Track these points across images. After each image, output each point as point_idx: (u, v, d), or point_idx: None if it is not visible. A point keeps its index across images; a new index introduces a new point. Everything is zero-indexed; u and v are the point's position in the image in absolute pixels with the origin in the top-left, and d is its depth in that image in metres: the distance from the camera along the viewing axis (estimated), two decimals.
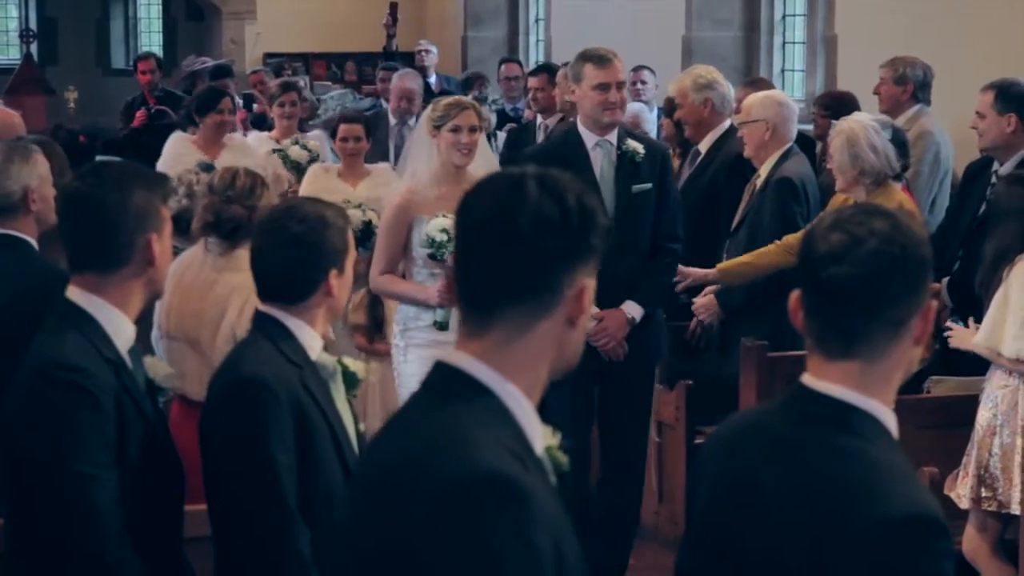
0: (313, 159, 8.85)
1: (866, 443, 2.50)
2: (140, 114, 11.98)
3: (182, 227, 5.56)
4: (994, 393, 5.62)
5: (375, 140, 9.01)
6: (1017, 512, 5.46)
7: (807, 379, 2.58)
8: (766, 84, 8.77)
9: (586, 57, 6.20)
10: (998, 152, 6.63)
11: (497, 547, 2.17)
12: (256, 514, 3.52)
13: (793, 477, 2.50)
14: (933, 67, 8.28)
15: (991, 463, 5.57)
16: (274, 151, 8.90)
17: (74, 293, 3.52)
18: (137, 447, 3.46)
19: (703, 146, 7.56)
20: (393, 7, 14.76)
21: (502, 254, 2.31)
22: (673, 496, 6.96)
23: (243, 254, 5.05)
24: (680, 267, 6.56)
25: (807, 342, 2.60)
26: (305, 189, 8.07)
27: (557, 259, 2.33)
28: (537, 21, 16.47)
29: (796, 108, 7.32)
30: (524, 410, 2.35)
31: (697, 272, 6.69)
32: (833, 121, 6.87)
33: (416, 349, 5.95)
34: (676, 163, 7.77)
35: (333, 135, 8.40)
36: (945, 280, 6.46)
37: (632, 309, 6.18)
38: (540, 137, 9.68)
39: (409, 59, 13.47)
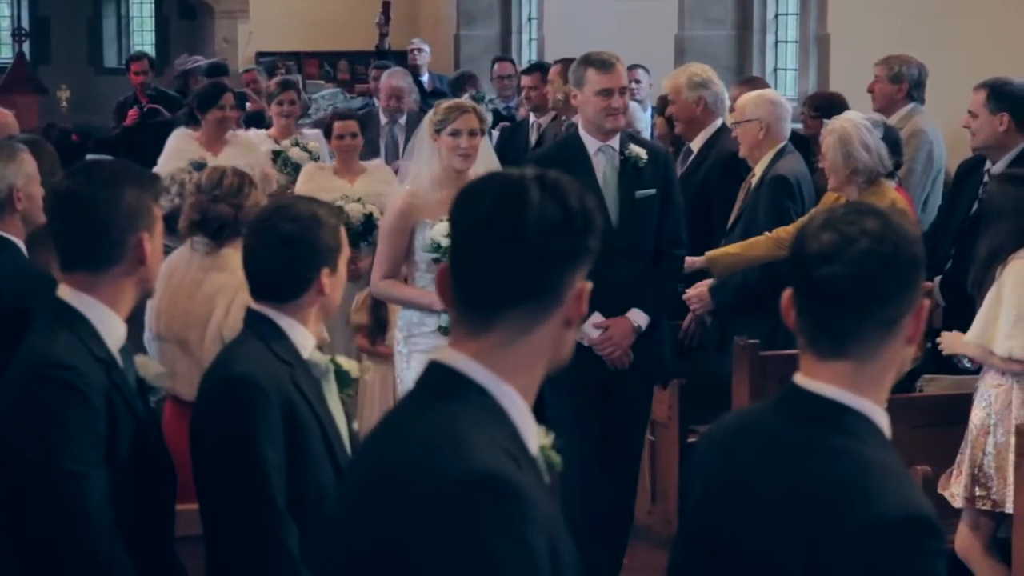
0: (313, 160, 8.76)
1: (859, 443, 2.50)
2: (132, 113, 11.96)
3: (174, 226, 5.56)
4: (988, 392, 5.62)
5: (367, 139, 8.97)
6: (1011, 511, 5.46)
7: (799, 379, 2.58)
8: (761, 83, 8.77)
9: (588, 61, 6.12)
10: (991, 151, 6.63)
11: (492, 547, 2.17)
12: (245, 513, 3.52)
13: (786, 477, 2.50)
14: (925, 66, 8.29)
15: (985, 462, 5.57)
16: (273, 152, 8.81)
17: (65, 292, 3.52)
18: (128, 446, 3.46)
19: (695, 144, 7.56)
20: (386, 6, 14.75)
21: (506, 256, 2.30)
22: (666, 495, 6.96)
23: (229, 253, 5.07)
24: None
25: (799, 341, 2.60)
26: (301, 188, 7.99)
27: (561, 261, 2.33)
28: (530, 20, 16.47)
29: (789, 107, 7.33)
30: (519, 410, 2.34)
31: (686, 260, 6.67)
32: (825, 120, 6.87)
33: (420, 355, 5.90)
34: None
35: (327, 134, 8.33)
36: (937, 279, 6.46)
37: (638, 317, 6.10)
38: (533, 136, 9.68)
39: (402, 58, 13.47)
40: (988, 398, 5.61)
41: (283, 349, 3.61)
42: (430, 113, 6.08)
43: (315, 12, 17.14)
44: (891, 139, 7.03)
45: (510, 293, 2.32)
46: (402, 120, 10.19)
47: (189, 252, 5.26)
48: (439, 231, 5.76)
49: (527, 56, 15.81)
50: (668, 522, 6.79)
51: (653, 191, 6.13)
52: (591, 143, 6.14)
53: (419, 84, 12.45)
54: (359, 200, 7.73)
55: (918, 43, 9.11)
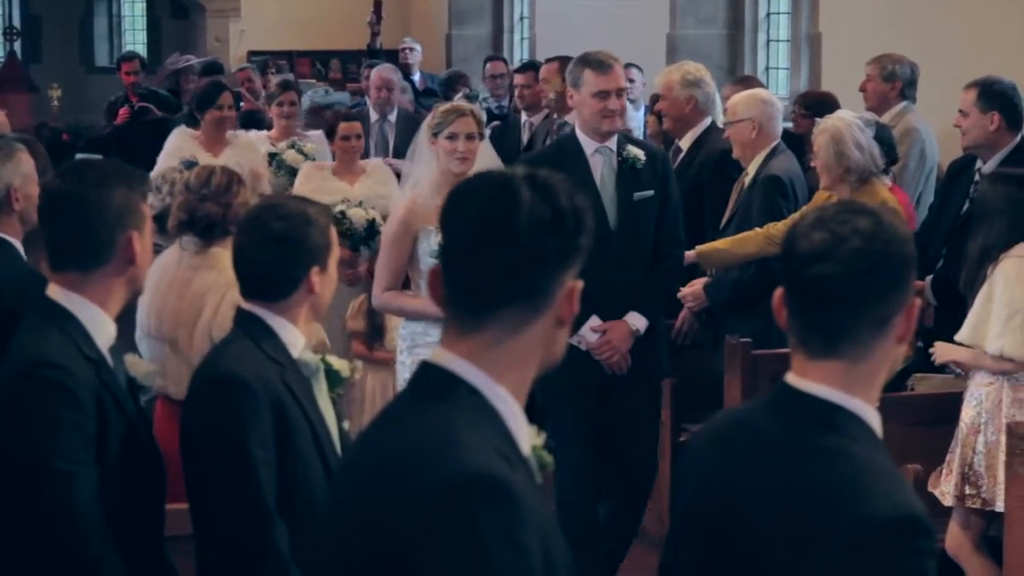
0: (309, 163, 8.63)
1: (850, 442, 2.49)
2: (123, 111, 11.93)
3: (166, 225, 5.55)
4: (978, 391, 5.63)
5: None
6: (1001, 510, 5.46)
7: (791, 378, 2.58)
8: (755, 82, 8.78)
9: (586, 62, 6.03)
10: (981, 150, 6.63)
11: (485, 548, 2.16)
12: (235, 512, 3.51)
13: (778, 476, 2.49)
14: (918, 65, 8.31)
15: (975, 461, 5.58)
16: (269, 155, 8.67)
17: (55, 291, 3.51)
18: (118, 445, 3.45)
19: (684, 143, 7.56)
20: (377, 5, 14.74)
21: (497, 255, 2.30)
22: (659, 494, 6.95)
23: (219, 252, 5.06)
24: None
25: (790, 340, 2.59)
26: (299, 189, 7.88)
27: (552, 260, 2.33)
28: (522, 19, 16.47)
29: (780, 105, 7.33)
30: (511, 410, 2.34)
31: None
32: (816, 119, 6.88)
33: None
34: None
35: (330, 134, 8.16)
36: (929, 278, 6.46)
37: (636, 320, 6.02)
38: (525, 135, 9.67)
39: (393, 57, 13.46)
40: (979, 397, 5.62)
41: (273, 348, 3.61)
42: (428, 117, 6.02)
43: (307, 11, 17.13)
44: (886, 137, 7.04)
45: (501, 293, 2.32)
46: (392, 117, 10.18)
47: (179, 251, 5.26)
48: None
49: (519, 55, 15.81)
50: (661, 521, 6.78)
51: (651, 192, 6.06)
52: (588, 144, 6.06)
53: (411, 83, 12.44)
54: (361, 204, 7.64)
55: (909, 42, 9.12)
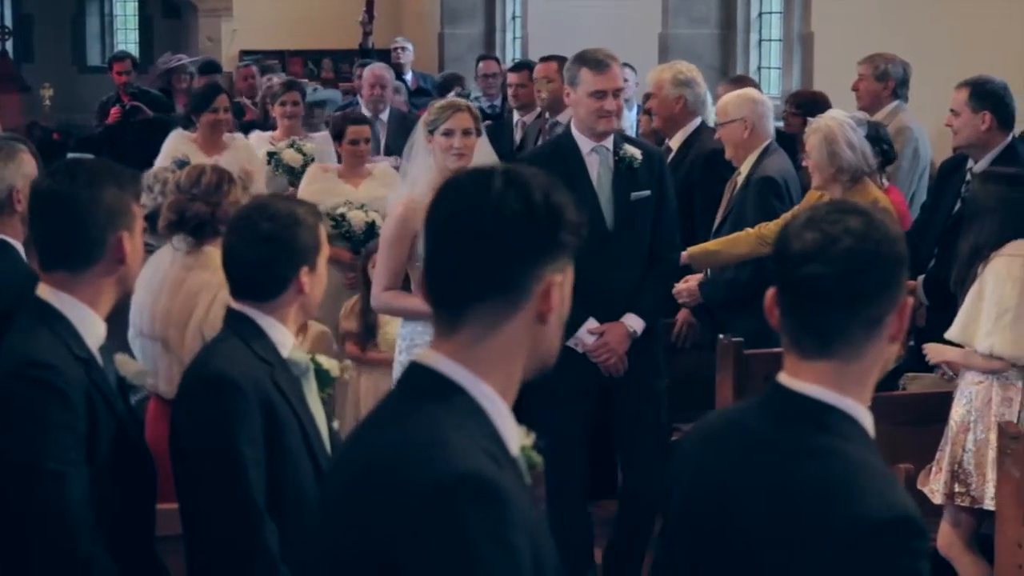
0: (307, 163, 8.54)
1: (843, 442, 2.49)
2: (114, 111, 11.90)
3: (157, 225, 5.55)
4: (968, 389, 5.64)
5: None
6: (991, 507, 5.47)
7: (783, 378, 2.57)
8: (749, 82, 8.79)
9: (583, 60, 5.93)
10: (973, 149, 6.64)
11: (474, 548, 2.16)
12: (225, 511, 3.51)
13: (770, 477, 2.49)
14: (910, 64, 8.32)
15: (965, 459, 5.59)
16: (268, 154, 8.62)
17: (45, 291, 3.51)
18: (108, 445, 3.45)
19: (674, 143, 7.56)
20: (369, 4, 14.72)
21: (467, 251, 2.30)
22: None
23: (211, 252, 5.05)
24: None
25: (783, 340, 2.59)
26: (304, 189, 7.85)
27: (522, 254, 2.31)
28: (514, 18, 16.47)
29: (771, 104, 7.34)
30: (498, 409, 2.34)
31: None
32: (807, 119, 6.88)
33: None
34: None
35: (338, 136, 8.04)
36: (920, 278, 6.46)
37: (633, 322, 5.96)
38: (518, 134, 9.66)
39: (385, 56, 13.45)
40: (968, 395, 5.63)
41: (263, 348, 3.61)
42: (424, 114, 5.98)
43: (299, 10, 17.12)
44: (883, 136, 7.06)
45: (473, 288, 2.31)
46: (384, 116, 10.17)
47: (171, 250, 5.25)
48: None
49: (511, 54, 15.81)
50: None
51: (648, 192, 5.98)
52: (584, 143, 5.97)
53: (403, 83, 12.43)
54: (362, 207, 7.61)
55: (900, 42, 9.13)
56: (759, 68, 12.72)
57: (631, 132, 9.64)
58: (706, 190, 7.22)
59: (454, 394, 2.31)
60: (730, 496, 2.54)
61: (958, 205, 6.52)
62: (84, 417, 3.40)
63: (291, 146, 8.70)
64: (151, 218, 5.29)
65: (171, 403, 4.02)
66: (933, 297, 6.37)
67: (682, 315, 7.12)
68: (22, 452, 3.34)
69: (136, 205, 3.58)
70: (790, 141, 7.94)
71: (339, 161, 8.29)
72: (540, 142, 9.07)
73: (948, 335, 5.66)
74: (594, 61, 5.91)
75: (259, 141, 8.92)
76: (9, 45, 19.66)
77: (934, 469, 5.70)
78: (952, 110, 6.62)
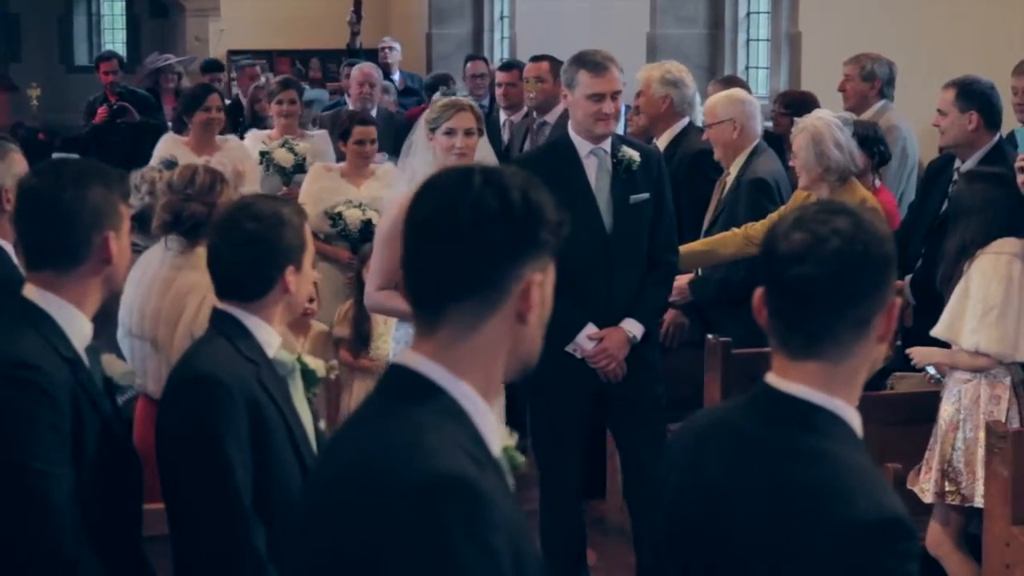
0: (298, 163, 8.47)
1: (831, 443, 2.49)
2: (101, 111, 11.87)
3: (145, 225, 5.54)
4: (956, 388, 5.65)
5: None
6: (980, 505, 5.48)
7: (771, 378, 2.57)
8: (738, 82, 8.79)
9: (581, 62, 5.86)
10: (960, 149, 6.64)
11: (454, 550, 2.15)
12: (211, 512, 3.50)
13: (758, 478, 2.49)
14: (895, 64, 8.33)
15: (954, 457, 5.60)
16: (260, 154, 8.52)
17: (30, 291, 3.49)
18: (94, 445, 3.44)
19: (661, 142, 7.56)
20: (357, 4, 14.69)
21: (444, 250, 2.29)
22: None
23: (202, 252, 5.03)
24: None
25: (771, 341, 2.58)
26: (306, 188, 7.80)
27: (501, 253, 2.30)
28: (502, 18, 16.47)
29: (759, 104, 7.34)
30: (479, 410, 2.33)
31: None
32: (796, 119, 6.89)
33: None
34: None
35: (344, 136, 7.93)
36: (908, 278, 6.47)
37: (632, 327, 5.88)
38: (505, 134, 9.66)
39: (373, 56, 13.43)
40: (957, 394, 5.64)
41: (248, 348, 3.60)
42: (426, 111, 5.93)
43: (286, 10, 17.11)
44: (878, 137, 7.07)
45: (450, 288, 2.31)
46: (372, 114, 10.14)
47: (163, 250, 5.24)
48: None
49: (499, 54, 15.80)
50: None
51: (647, 195, 5.91)
52: (582, 145, 5.89)
53: (391, 83, 12.41)
54: (360, 206, 7.57)
55: (888, 41, 9.15)
56: (747, 68, 12.72)
57: (620, 130, 9.65)
58: (692, 190, 7.23)
59: (434, 395, 2.31)
60: (718, 496, 2.53)
61: (945, 205, 6.52)
62: (69, 417, 3.38)
63: (283, 145, 8.60)
64: (138, 218, 5.29)
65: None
66: (920, 297, 6.37)
67: (670, 315, 7.11)
68: (7, 453, 3.33)
69: (123, 205, 3.56)
70: (779, 141, 7.95)
71: (338, 160, 8.26)
72: (528, 142, 9.07)
73: (934, 332, 5.67)
74: (592, 63, 5.85)
75: (254, 140, 8.84)
76: None
77: (923, 468, 5.71)
78: (939, 110, 6.62)
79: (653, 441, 5.92)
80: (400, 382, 2.34)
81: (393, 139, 8.92)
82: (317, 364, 3.82)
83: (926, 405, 5.85)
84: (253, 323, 3.63)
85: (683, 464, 2.64)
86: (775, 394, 2.54)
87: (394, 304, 5.76)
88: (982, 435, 5.49)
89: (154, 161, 8.08)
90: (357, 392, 6.95)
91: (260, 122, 10.33)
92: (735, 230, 6.66)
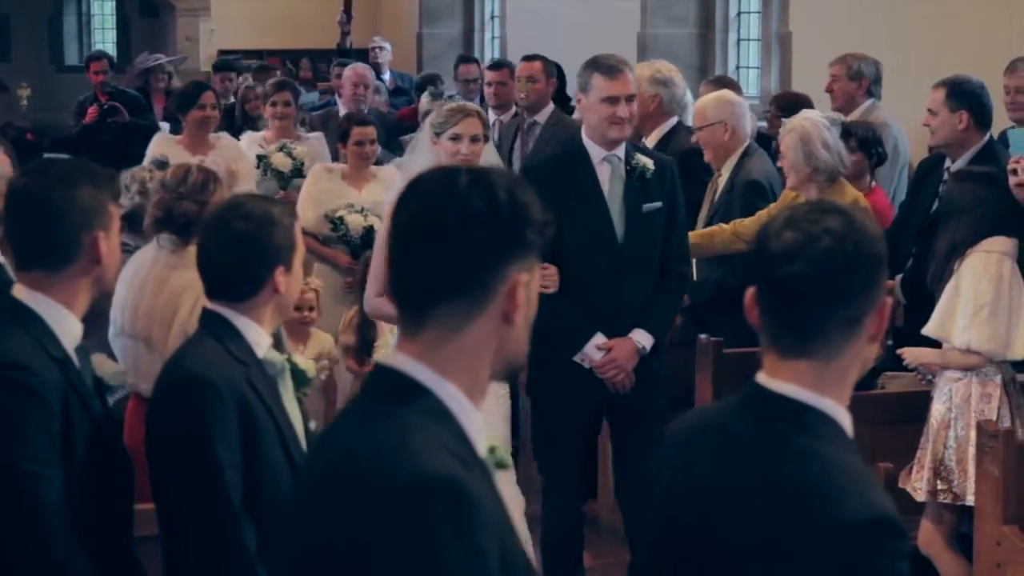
0: (297, 168, 8.37)
1: (821, 443, 2.48)
2: (92, 110, 11.84)
3: (136, 224, 5.54)
4: (947, 387, 5.66)
5: (328, 137, 8.89)
6: (972, 503, 5.49)
7: (762, 378, 2.57)
8: (730, 82, 8.80)
9: (595, 66, 5.78)
10: (950, 149, 6.65)
11: (442, 551, 2.15)
12: (200, 511, 3.50)
13: (749, 478, 2.48)
14: (885, 64, 8.35)
15: (946, 456, 5.60)
16: (257, 157, 8.39)
17: (20, 291, 3.49)
18: (83, 445, 3.43)
19: (650, 141, 7.57)
20: (347, 4, 14.70)
21: (430, 250, 2.29)
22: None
23: (194, 251, 5.04)
24: None
25: (762, 340, 2.58)
26: (307, 190, 7.69)
27: (485, 254, 2.30)
28: (492, 18, 16.47)
29: (748, 104, 7.35)
30: (464, 410, 2.33)
31: None
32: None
33: None
34: None
35: (343, 138, 7.82)
36: (899, 277, 6.48)
37: (642, 338, 5.77)
38: (494, 133, 9.64)
39: (363, 56, 13.43)
40: (948, 392, 5.64)
41: (238, 348, 3.59)
42: (431, 115, 5.87)
43: (277, 10, 17.11)
44: (876, 138, 7.07)
45: (436, 288, 2.30)
46: None
47: (156, 249, 5.24)
48: None
49: (490, 54, 15.79)
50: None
51: (660, 204, 5.80)
52: (595, 151, 5.78)
53: (381, 83, 12.40)
54: (361, 211, 7.47)
55: (878, 41, 9.16)
56: (737, 68, 12.73)
57: None
58: (682, 190, 7.21)
59: (420, 395, 2.30)
60: (710, 497, 2.53)
61: (936, 204, 6.53)
62: (59, 418, 3.38)
63: (281, 149, 8.49)
64: (129, 218, 5.28)
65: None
66: (911, 296, 6.38)
67: None
68: None
69: (113, 205, 3.55)
70: (772, 142, 7.96)
71: (334, 160, 8.21)
72: (518, 142, 9.07)
73: (925, 331, 5.68)
74: (606, 67, 5.77)
75: (250, 143, 8.71)
76: None
77: (915, 467, 5.72)
78: (929, 109, 6.63)
79: (647, 444, 5.88)
80: (386, 383, 2.33)
81: (384, 139, 8.91)
82: (307, 364, 3.82)
83: (917, 405, 5.85)
84: (243, 323, 3.63)
85: (675, 464, 2.64)
86: (766, 394, 2.54)
87: (392, 310, 5.70)
88: (973, 433, 5.50)
89: (147, 161, 8.05)
90: (322, 375, 6.93)
91: (251, 123, 10.30)
92: (723, 226, 6.69)
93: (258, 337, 3.64)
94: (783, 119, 7.91)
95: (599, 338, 5.77)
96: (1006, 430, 5.39)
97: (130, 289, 5.17)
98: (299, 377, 3.76)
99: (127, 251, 5.11)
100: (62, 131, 13.49)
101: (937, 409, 5.67)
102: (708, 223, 6.98)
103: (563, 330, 5.75)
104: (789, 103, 8.44)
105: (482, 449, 2.34)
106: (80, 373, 3.49)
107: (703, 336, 6.51)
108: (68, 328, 3.49)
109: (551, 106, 9.10)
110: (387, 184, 7.53)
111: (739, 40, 12.79)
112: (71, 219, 3.45)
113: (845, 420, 2.54)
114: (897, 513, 2.44)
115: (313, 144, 8.72)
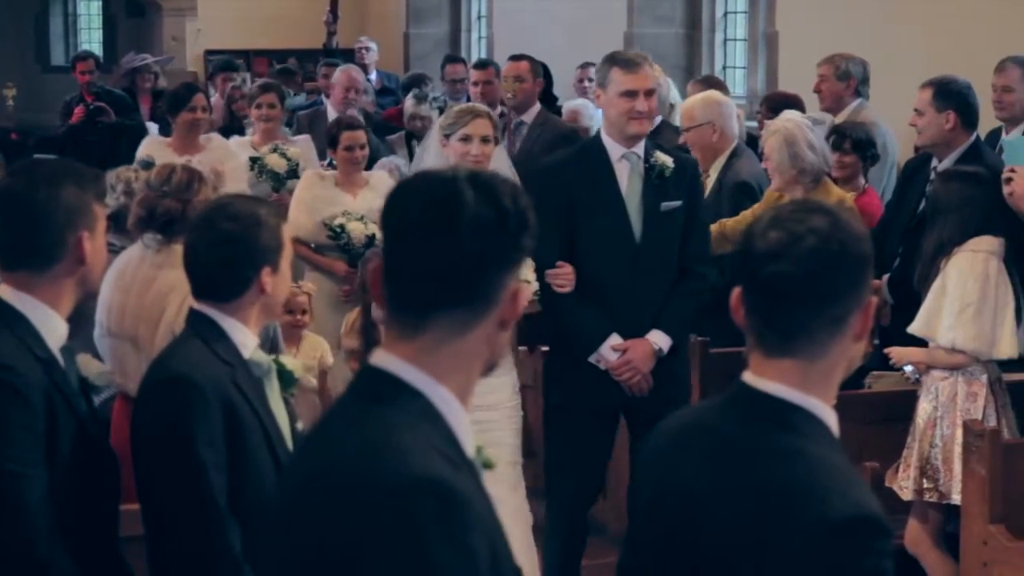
0: (292, 168, 8.27)
1: (807, 442, 2.48)
2: (78, 110, 11.82)
3: (122, 225, 5.53)
4: (934, 386, 5.67)
5: (315, 138, 8.85)
6: (958, 502, 5.50)
7: (748, 377, 2.57)
8: (717, 82, 8.81)
9: (614, 60, 5.70)
10: (937, 149, 6.65)
11: (432, 552, 2.15)
12: (185, 512, 3.49)
13: (734, 477, 2.48)
14: (871, 64, 8.36)
15: (932, 455, 5.61)
16: (251, 159, 8.28)
17: (5, 291, 3.48)
18: (68, 446, 3.42)
19: None
20: (334, 4, 14.66)
21: (438, 258, 2.28)
22: (617, 491, 6.95)
23: (181, 250, 5.03)
24: None
25: (748, 339, 2.58)
26: (300, 196, 7.56)
27: (494, 263, 2.31)
28: (479, 18, 16.46)
29: (735, 104, 7.36)
30: (454, 412, 2.33)
31: None
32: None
33: None
34: None
35: (332, 143, 7.68)
36: (885, 277, 6.48)
37: (659, 339, 5.67)
38: None
39: (349, 56, 13.41)
40: (934, 391, 5.66)
41: (224, 349, 3.59)
42: (440, 117, 5.81)
43: (263, 9, 17.08)
44: (869, 139, 7.08)
45: (443, 296, 2.30)
46: None
47: (141, 249, 5.24)
48: None
49: (477, 54, 15.78)
50: (619, 518, 6.78)
51: (679, 203, 5.70)
52: (614, 149, 5.70)
53: (368, 83, 12.37)
54: (362, 219, 7.36)
55: (864, 41, 9.18)
56: (724, 68, 12.75)
57: (596, 131, 9.64)
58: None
59: (409, 397, 2.30)
60: (696, 496, 2.53)
61: (922, 204, 6.54)
62: (43, 418, 3.37)
63: (275, 151, 8.37)
64: (115, 218, 5.27)
65: None
66: (898, 296, 6.39)
67: None
68: None
69: (98, 205, 3.55)
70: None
71: (322, 160, 8.14)
72: (505, 141, 9.05)
73: (911, 329, 5.69)
74: (624, 60, 5.71)
75: (239, 147, 8.61)
76: None
77: (902, 466, 5.72)
78: (916, 109, 6.64)
79: None
80: (374, 384, 2.33)
81: (371, 142, 8.87)
82: (294, 364, 3.81)
83: (903, 404, 5.86)
84: (229, 324, 3.62)
85: (661, 463, 2.64)
86: (752, 393, 2.54)
87: None
88: (959, 432, 5.51)
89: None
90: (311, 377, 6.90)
91: (237, 122, 10.27)
92: (711, 226, 6.68)
93: (244, 337, 3.64)
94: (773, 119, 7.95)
95: (615, 339, 5.67)
96: (992, 429, 5.40)
97: (116, 289, 5.16)
98: (286, 377, 3.75)
99: (113, 251, 5.10)
100: (47, 131, 13.46)
101: (923, 408, 5.68)
102: None
103: (579, 330, 5.70)
104: (779, 104, 8.45)
105: (470, 449, 2.34)
106: (65, 373, 3.49)
107: (691, 336, 6.51)
108: (53, 328, 3.48)
109: (538, 106, 9.11)
110: (381, 191, 7.38)
111: (726, 40, 12.81)
112: (55, 219, 3.44)
113: (831, 419, 2.54)
114: (882, 511, 2.44)
115: (302, 146, 8.63)
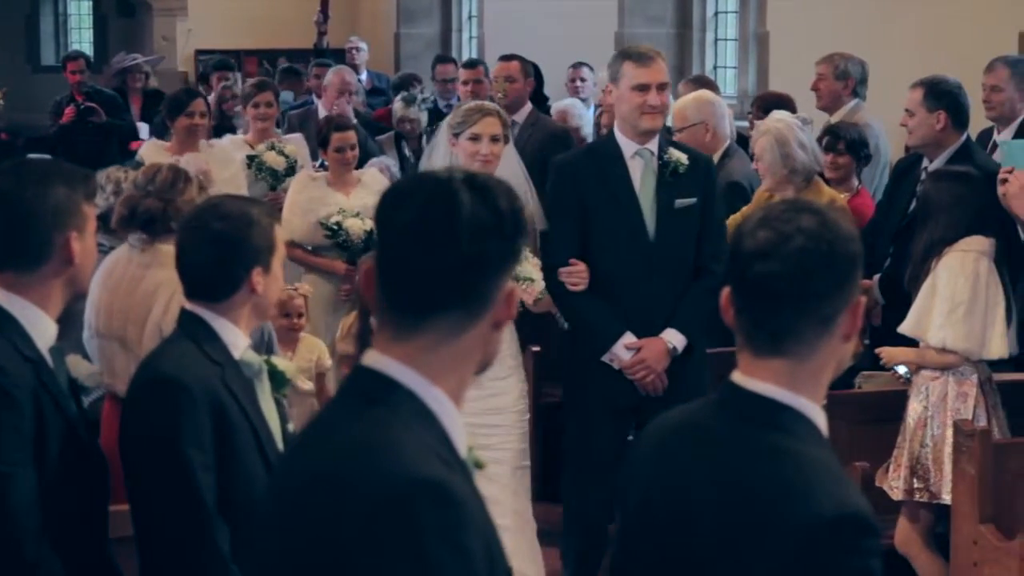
0: (291, 166, 8.23)
1: (796, 441, 2.48)
2: (69, 111, 11.80)
3: (110, 224, 5.52)
4: (924, 385, 5.67)
5: (306, 137, 8.84)
6: (948, 502, 5.50)
7: (737, 377, 2.56)
8: (708, 82, 8.81)
9: (626, 54, 5.67)
10: (927, 149, 6.66)
11: (429, 553, 2.15)
12: (174, 513, 3.49)
13: (724, 476, 2.48)
14: (866, 62, 8.37)
15: (923, 454, 5.62)
16: (248, 158, 8.23)
17: None
18: (57, 446, 3.42)
19: None
20: (324, 4, 14.64)
21: (435, 261, 2.28)
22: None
23: (168, 249, 5.01)
24: None
25: (737, 339, 2.58)
26: (292, 198, 7.51)
27: (490, 265, 2.31)
28: (470, 18, 16.45)
29: (727, 104, 7.37)
30: (448, 413, 2.32)
31: None
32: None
33: None
34: None
35: (322, 144, 7.63)
36: (876, 277, 6.49)
37: (673, 338, 5.63)
38: None
39: (340, 56, 13.40)
40: (925, 391, 5.66)
41: (214, 349, 3.58)
42: (449, 115, 5.77)
43: (254, 9, 17.05)
44: (863, 140, 7.09)
45: (438, 298, 2.30)
46: None
47: (128, 249, 5.24)
48: None
49: (468, 54, 15.77)
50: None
51: (694, 200, 5.66)
52: (627, 145, 5.66)
53: (359, 83, 12.37)
54: (358, 215, 7.31)
55: (855, 41, 9.18)
56: (715, 67, 12.75)
57: (588, 130, 9.66)
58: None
59: (403, 398, 2.29)
60: (686, 496, 2.53)
61: (913, 204, 6.55)
62: (31, 419, 3.36)
63: (271, 148, 8.32)
64: (104, 218, 5.26)
65: None
66: (889, 296, 6.39)
67: None
68: None
69: (87, 205, 3.54)
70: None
71: (313, 160, 8.11)
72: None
73: (901, 329, 5.70)
74: (636, 54, 5.67)
75: (234, 145, 8.54)
76: None
77: (892, 466, 5.73)
78: (907, 110, 6.64)
79: None
80: (367, 385, 2.32)
81: (363, 139, 8.85)
82: (286, 365, 3.81)
83: (894, 404, 5.86)
84: (220, 324, 3.62)
85: (651, 463, 2.64)
86: (741, 393, 2.54)
87: None
88: (950, 432, 5.51)
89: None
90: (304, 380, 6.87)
91: (227, 121, 10.25)
92: None
93: (235, 338, 3.63)
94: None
95: (628, 337, 5.63)
96: (982, 429, 5.40)
97: (104, 289, 5.16)
98: (277, 378, 3.75)
99: (103, 251, 5.10)
100: (38, 131, 13.44)
101: (914, 408, 5.68)
102: None
103: (592, 329, 5.67)
104: (770, 104, 8.46)
105: (463, 450, 2.34)
106: (54, 374, 3.48)
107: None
108: (42, 329, 3.47)
109: (529, 106, 9.10)
110: (373, 188, 7.41)
111: (716, 40, 12.81)
112: (43, 219, 3.43)
113: (820, 419, 2.54)
114: (870, 510, 2.44)
115: (295, 144, 8.60)
